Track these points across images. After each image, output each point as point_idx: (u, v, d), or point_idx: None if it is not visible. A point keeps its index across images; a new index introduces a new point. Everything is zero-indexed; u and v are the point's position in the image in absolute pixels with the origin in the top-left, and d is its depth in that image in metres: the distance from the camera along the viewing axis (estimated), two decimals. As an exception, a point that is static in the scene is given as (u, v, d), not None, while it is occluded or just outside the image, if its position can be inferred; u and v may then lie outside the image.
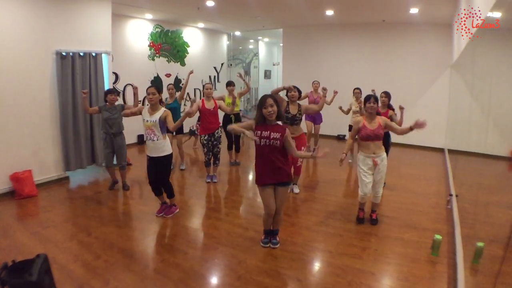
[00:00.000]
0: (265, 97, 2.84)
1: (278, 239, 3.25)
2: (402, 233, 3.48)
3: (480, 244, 2.41)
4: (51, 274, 2.33)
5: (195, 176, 5.55)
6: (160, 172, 3.73)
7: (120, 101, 4.96)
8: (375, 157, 3.44)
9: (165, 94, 5.11)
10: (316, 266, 2.97)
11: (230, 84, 5.82)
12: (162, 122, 3.60)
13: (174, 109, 5.14)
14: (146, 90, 3.63)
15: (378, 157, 3.44)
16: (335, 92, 5.44)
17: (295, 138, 4.23)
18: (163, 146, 3.66)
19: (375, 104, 3.43)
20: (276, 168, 2.90)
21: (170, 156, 3.75)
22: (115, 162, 4.76)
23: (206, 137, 4.93)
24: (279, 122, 2.95)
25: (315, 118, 6.76)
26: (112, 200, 4.48)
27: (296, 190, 4.71)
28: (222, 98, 5.78)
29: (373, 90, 4.44)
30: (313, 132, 6.89)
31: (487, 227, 2.69)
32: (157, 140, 3.61)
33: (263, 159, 2.92)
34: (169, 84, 5.65)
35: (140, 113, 3.71)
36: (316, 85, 6.69)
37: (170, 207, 3.96)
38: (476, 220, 3.08)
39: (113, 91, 4.65)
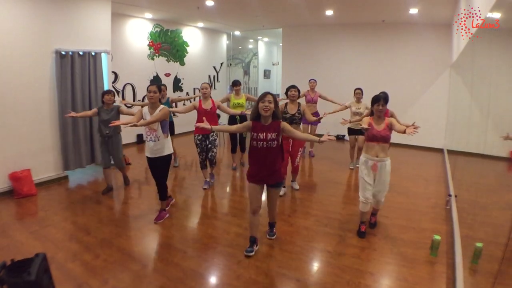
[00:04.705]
0: (266, 93, 2.82)
1: (275, 231, 3.37)
2: (401, 233, 3.49)
3: (479, 244, 2.41)
4: (50, 273, 2.32)
5: (194, 175, 5.54)
6: (158, 173, 3.68)
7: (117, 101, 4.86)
8: (377, 161, 3.25)
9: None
10: (315, 266, 2.97)
11: (236, 83, 5.53)
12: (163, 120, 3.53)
13: None
14: (147, 88, 3.54)
15: (380, 161, 3.24)
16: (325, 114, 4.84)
17: (292, 139, 4.29)
18: (164, 146, 3.59)
19: (383, 107, 3.26)
20: (270, 170, 2.90)
21: (170, 156, 3.70)
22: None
23: (199, 137, 4.65)
24: None
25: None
26: (111, 200, 4.48)
27: (296, 186, 4.80)
28: (228, 99, 5.54)
29: None
30: (309, 133, 6.73)
31: (486, 228, 2.69)
32: (159, 140, 3.53)
33: (259, 161, 2.90)
34: (162, 85, 5.47)
35: (142, 117, 3.56)
36: (312, 83, 6.50)
37: (160, 211, 3.84)
38: (475, 220, 3.08)
39: (110, 92, 4.54)
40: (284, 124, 2.89)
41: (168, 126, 3.63)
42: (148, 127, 3.50)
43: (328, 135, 2.83)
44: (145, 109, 3.61)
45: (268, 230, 3.41)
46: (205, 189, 4.83)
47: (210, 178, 4.98)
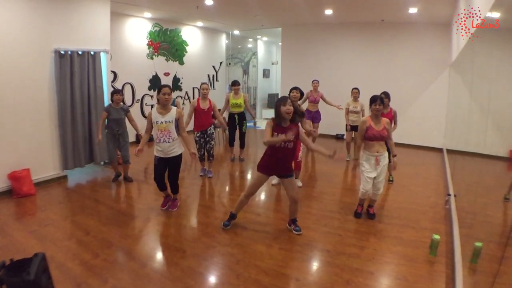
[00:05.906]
0: (285, 97, 3.15)
1: (298, 226, 3.48)
2: (400, 233, 3.49)
3: (478, 244, 2.41)
4: (49, 273, 2.32)
5: (193, 175, 5.54)
6: (172, 171, 3.82)
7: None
8: (378, 156, 3.57)
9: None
10: (315, 265, 2.97)
11: (235, 83, 5.82)
12: (177, 121, 3.69)
13: None
14: (161, 90, 3.55)
15: (380, 155, 3.57)
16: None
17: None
18: (177, 145, 3.73)
19: (380, 106, 3.52)
20: (283, 165, 3.23)
21: (182, 155, 3.83)
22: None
23: (198, 134, 5.09)
24: None
25: (315, 117, 6.77)
26: (110, 199, 4.47)
27: (299, 183, 4.86)
28: (227, 98, 5.86)
29: None
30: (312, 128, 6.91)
31: (486, 227, 2.70)
32: (173, 141, 3.66)
33: (275, 157, 3.19)
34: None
35: (152, 121, 3.68)
36: (315, 84, 6.72)
37: (174, 200, 4.09)
38: (475, 220, 3.09)
39: (118, 91, 4.86)
40: (302, 132, 3.24)
41: (178, 126, 3.79)
42: (159, 129, 3.61)
43: (341, 155, 3.14)
44: (154, 112, 3.67)
45: (293, 226, 3.48)
46: (201, 176, 5.34)
47: (207, 173, 5.35)
